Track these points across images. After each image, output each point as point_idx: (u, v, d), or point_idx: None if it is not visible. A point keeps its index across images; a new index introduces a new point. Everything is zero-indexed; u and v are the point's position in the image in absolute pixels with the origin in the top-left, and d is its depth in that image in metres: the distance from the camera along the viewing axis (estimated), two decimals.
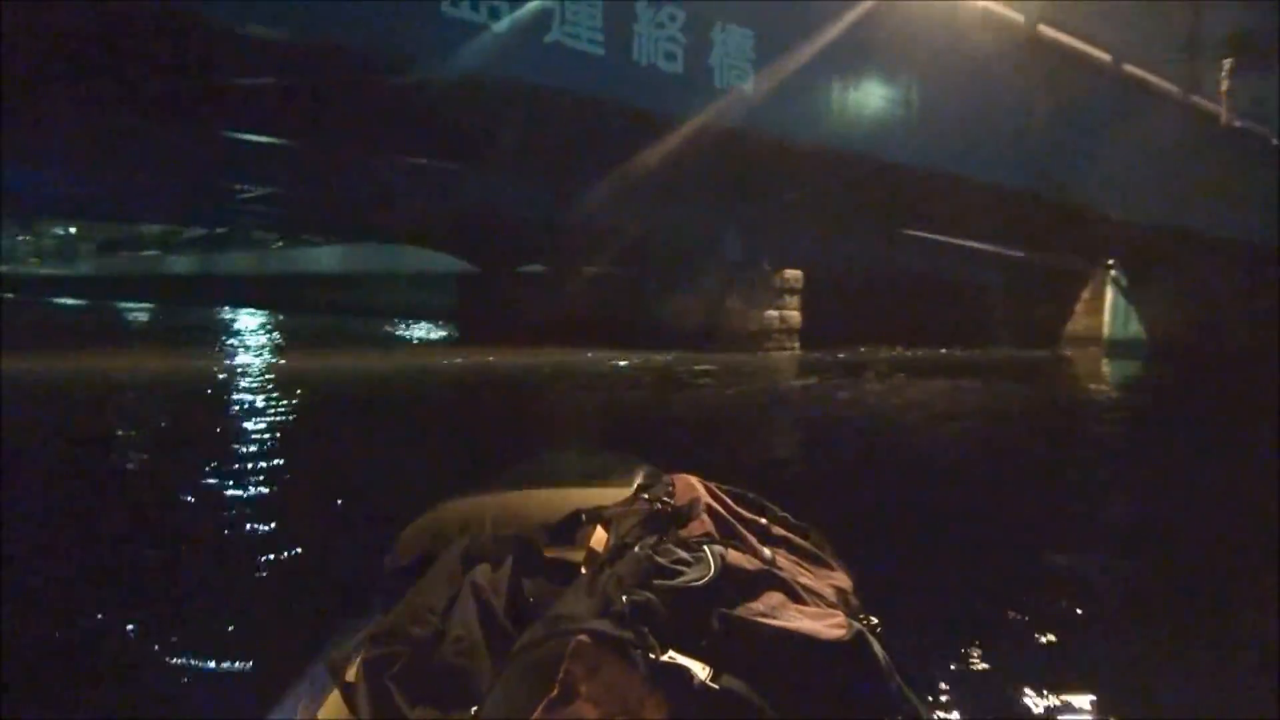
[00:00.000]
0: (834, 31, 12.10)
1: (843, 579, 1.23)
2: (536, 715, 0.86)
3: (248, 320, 27.76)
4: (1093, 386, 15.53)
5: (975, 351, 19.64)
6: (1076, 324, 23.86)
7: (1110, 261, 23.16)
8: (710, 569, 1.01)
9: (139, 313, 33.95)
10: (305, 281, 35.63)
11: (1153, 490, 6.27)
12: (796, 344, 18.62)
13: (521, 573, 1.19)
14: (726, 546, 1.07)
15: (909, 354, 18.74)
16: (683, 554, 1.04)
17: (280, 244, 40.13)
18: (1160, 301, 22.56)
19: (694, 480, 1.26)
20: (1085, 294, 23.80)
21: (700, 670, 0.90)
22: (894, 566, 3.33)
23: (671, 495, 1.22)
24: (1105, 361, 20.47)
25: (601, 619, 0.93)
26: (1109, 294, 23.45)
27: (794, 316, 18.65)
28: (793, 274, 18.55)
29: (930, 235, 20.32)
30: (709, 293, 18.77)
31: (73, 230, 56.77)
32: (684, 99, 10.86)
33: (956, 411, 10.25)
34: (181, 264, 45.82)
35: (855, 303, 20.65)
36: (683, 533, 1.13)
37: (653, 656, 0.89)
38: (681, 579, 0.99)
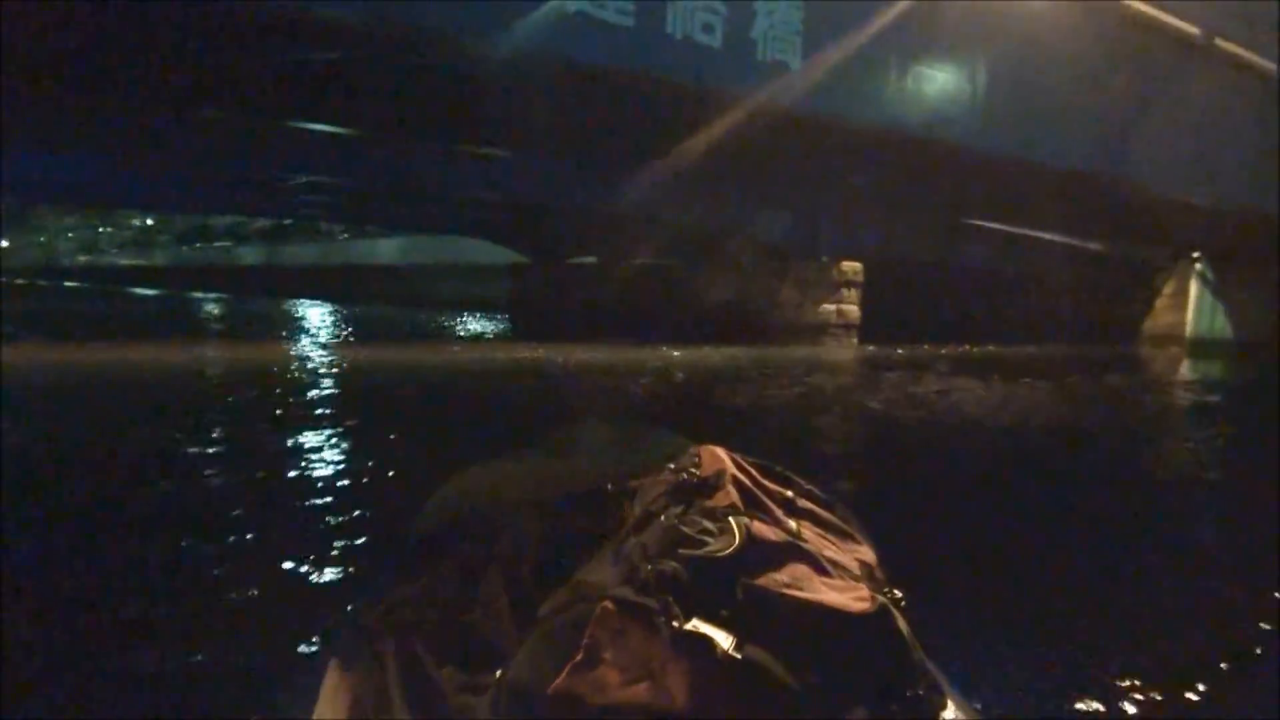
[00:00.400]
0: (892, 3, 11.29)
1: (867, 552, 1.20)
2: (561, 679, 0.88)
3: (313, 312, 27.95)
4: (1189, 393, 14.30)
5: (1046, 349, 18.59)
6: (1157, 321, 22.47)
7: (1195, 254, 21.74)
8: (735, 540, 1.02)
9: (213, 304, 34.49)
10: (367, 273, 35.98)
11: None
12: (855, 339, 17.87)
13: (547, 541, 1.19)
14: (751, 518, 1.08)
15: (975, 351, 17.80)
16: (708, 524, 1.05)
17: (345, 235, 40.65)
18: (1250, 297, 21.09)
19: (720, 452, 1.24)
20: (1167, 289, 22.40)
21: (723, 639, 0.91)
22: None
23: (698, 466, 1.21)
24: (1189, 363, 19.12)
25: (626, 586, 0.95)
26: (1193, 289, 21.99)
27: (852, 311, 17.89)
28: (851, 266, 17.79)
29: (997, 226, 19.31)
30: (763, 285, 18.14)
31: (150, 222, 58.40)
32: (723, 74, 10.19)
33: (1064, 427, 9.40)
34: (250, 255, 46.71)
35: (917, 296, 19.80)
36: (708, 503, 1.12)
37: (676, 624, 0.91)
38: (706, 549, 1.00)
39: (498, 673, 0.96)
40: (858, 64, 11.23)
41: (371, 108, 12.53)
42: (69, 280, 61.86)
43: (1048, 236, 20.10)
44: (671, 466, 1.23)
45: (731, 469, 1.19)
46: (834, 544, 1.17)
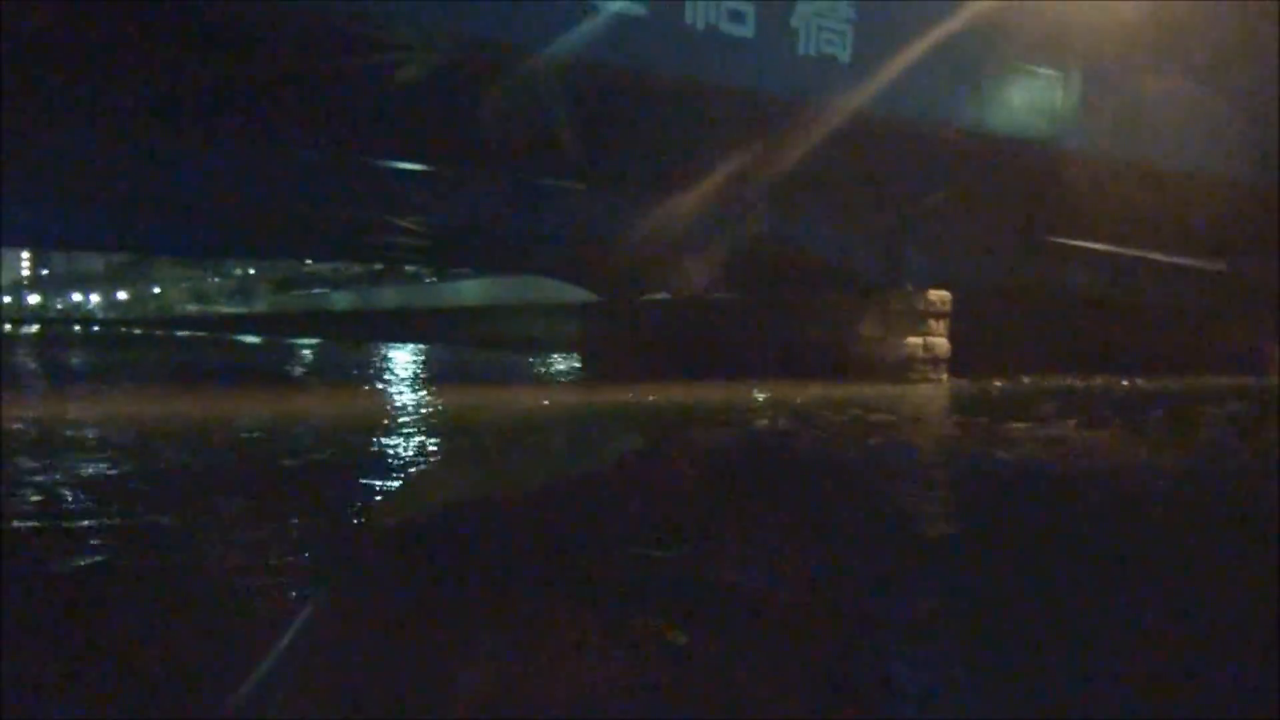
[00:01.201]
0: None
1: None
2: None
3: (401, 355, 28.07)
4: None
5: (1167, 382, 16.61)
6: None
7: None
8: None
9: (309, 350, 35.00)
10: (453, 315, 36.08)
11: None
12: (944, 374, 16.32)
13: (500, 537, 1.96)
14: None
15: (1082, 385, 15.97)
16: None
17: (433, 279, 40.99)
18: None
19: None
20: None
21: (680, 637, 1.20)
22: None
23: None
24: None
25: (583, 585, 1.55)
26: None
27: (940, 344, 16.35)
28: (939, 295, 16.29)
29: (1106, 247, 17.47)
30: (841, 317, 16.81)
31: (252, 271, 60.51)
32: (757, 70, 8.97)
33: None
34: (343, 300, 47.62)
35: (1011, 325, 18.04)
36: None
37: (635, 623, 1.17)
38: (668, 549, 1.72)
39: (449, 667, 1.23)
40: (930, 58, 9.76)
41: (447, 140, 11.89)
42: (181, 330, 64.56)
43: (1164, 258, 18.13)
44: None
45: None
46: None
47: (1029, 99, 11.25)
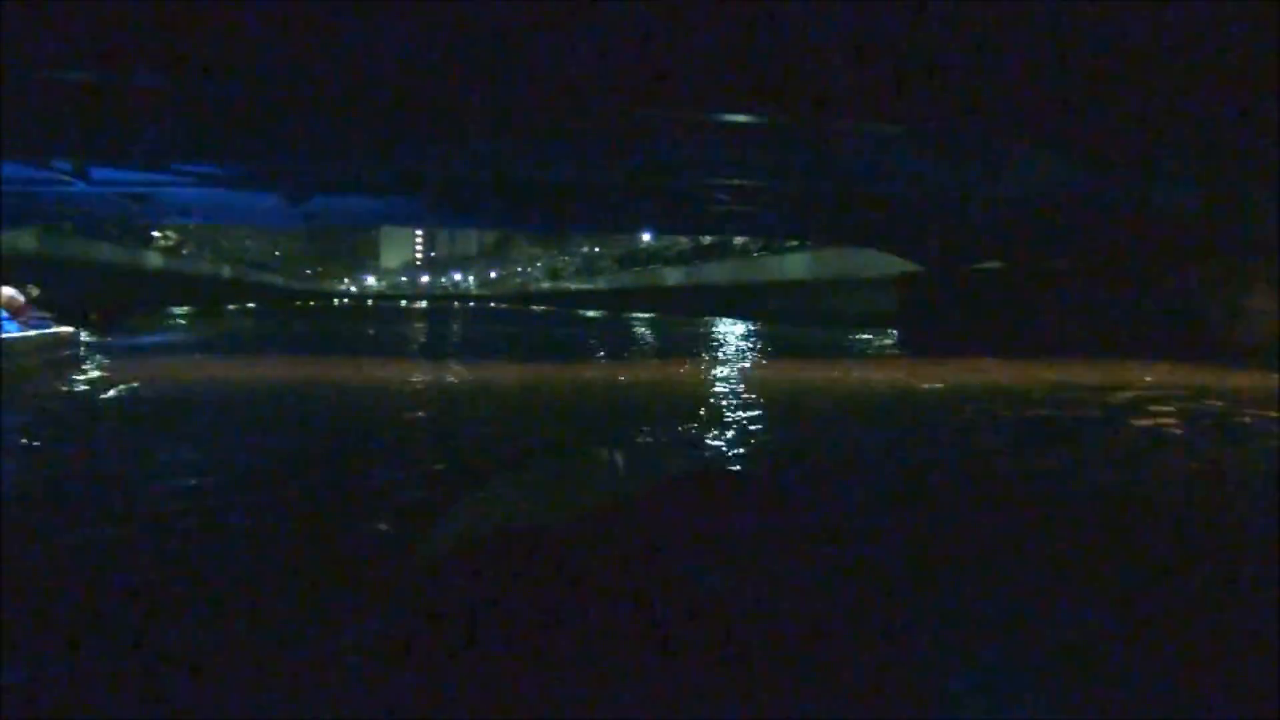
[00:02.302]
0: None
1: None
2: None
3: (733, 329, 28.39)
4: None
5: None
6: None
7: None
8: None
9: (642, 325, 36.22)
10: (776, 289, 35.56)
11: None
12: None
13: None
14: None
15: None
16: None
17: (759, 253, 40.57)
18: None
19: None
20: None
21: None
22: None
23: None
24: None
25: None
26: None
27: None
28: None
29: None
30: (1216, 289, 13.89)
31: (597, 249, 64.27)
32: None
33: None
34: (675, 275, 48.84)
35: None
36: None
37: None
38: None
39: None
40: None
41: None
42: (535, 304, 70.38)
43: None
44: None
45: None
46: None
47: None
